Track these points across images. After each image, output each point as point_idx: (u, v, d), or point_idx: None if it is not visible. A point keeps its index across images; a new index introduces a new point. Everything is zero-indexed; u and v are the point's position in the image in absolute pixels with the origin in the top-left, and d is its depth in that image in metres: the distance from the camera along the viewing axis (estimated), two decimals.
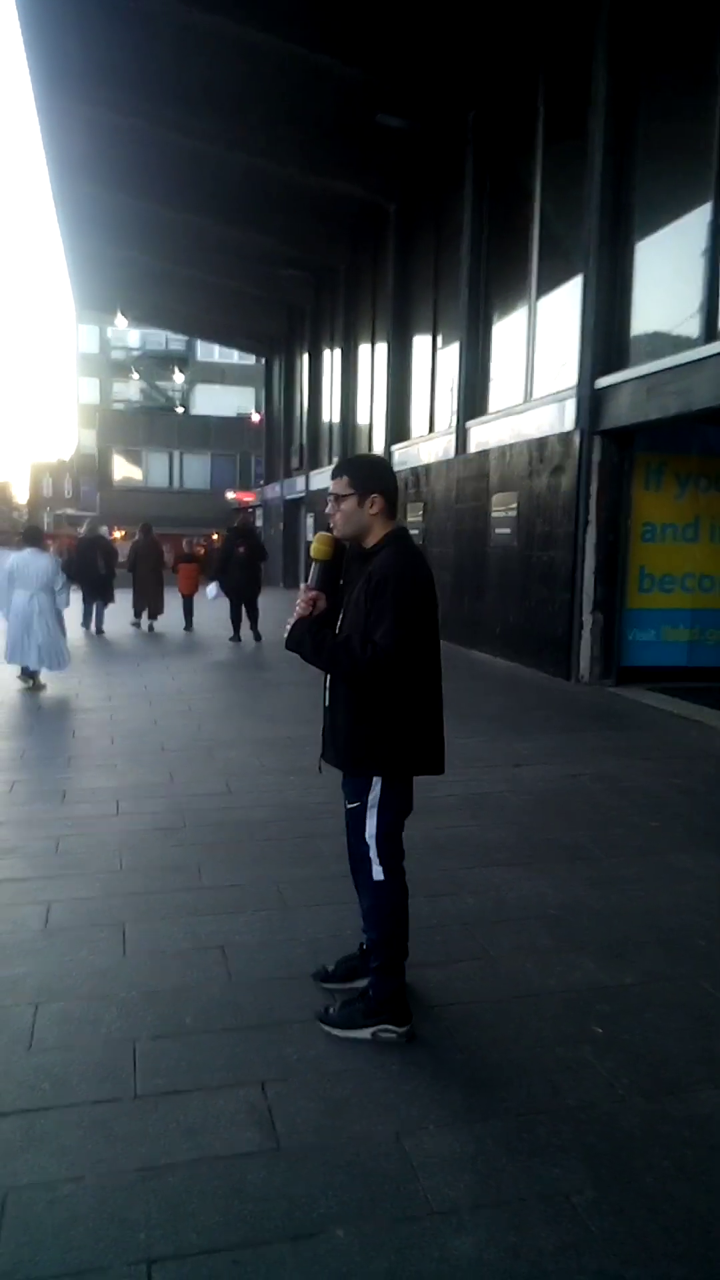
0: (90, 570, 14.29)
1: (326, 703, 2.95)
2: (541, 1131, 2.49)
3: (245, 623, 13.72)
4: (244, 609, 13.73)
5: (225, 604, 13.86)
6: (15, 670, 9.55)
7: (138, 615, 15.46)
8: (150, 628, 15.30)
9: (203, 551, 18.02)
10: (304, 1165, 2.35)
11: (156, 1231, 2.12)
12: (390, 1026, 2.91)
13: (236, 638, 13.61)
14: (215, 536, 15.72)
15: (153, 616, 15.36)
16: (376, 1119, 2.53)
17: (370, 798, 2.86)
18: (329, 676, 2.91)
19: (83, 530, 16.13)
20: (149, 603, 15.26)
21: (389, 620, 2.66)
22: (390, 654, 2.65)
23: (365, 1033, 2.91)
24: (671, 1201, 2.24)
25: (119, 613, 15.31)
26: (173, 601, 15.71)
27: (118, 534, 30.77)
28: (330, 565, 2.91)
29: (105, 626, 14.64)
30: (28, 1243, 2.09)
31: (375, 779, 2.85)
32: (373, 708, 2.79)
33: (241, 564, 13.55)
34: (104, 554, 14.80)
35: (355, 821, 2.92)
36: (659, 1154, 2.41)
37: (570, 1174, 2.33)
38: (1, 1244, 2.08)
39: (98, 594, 14.51)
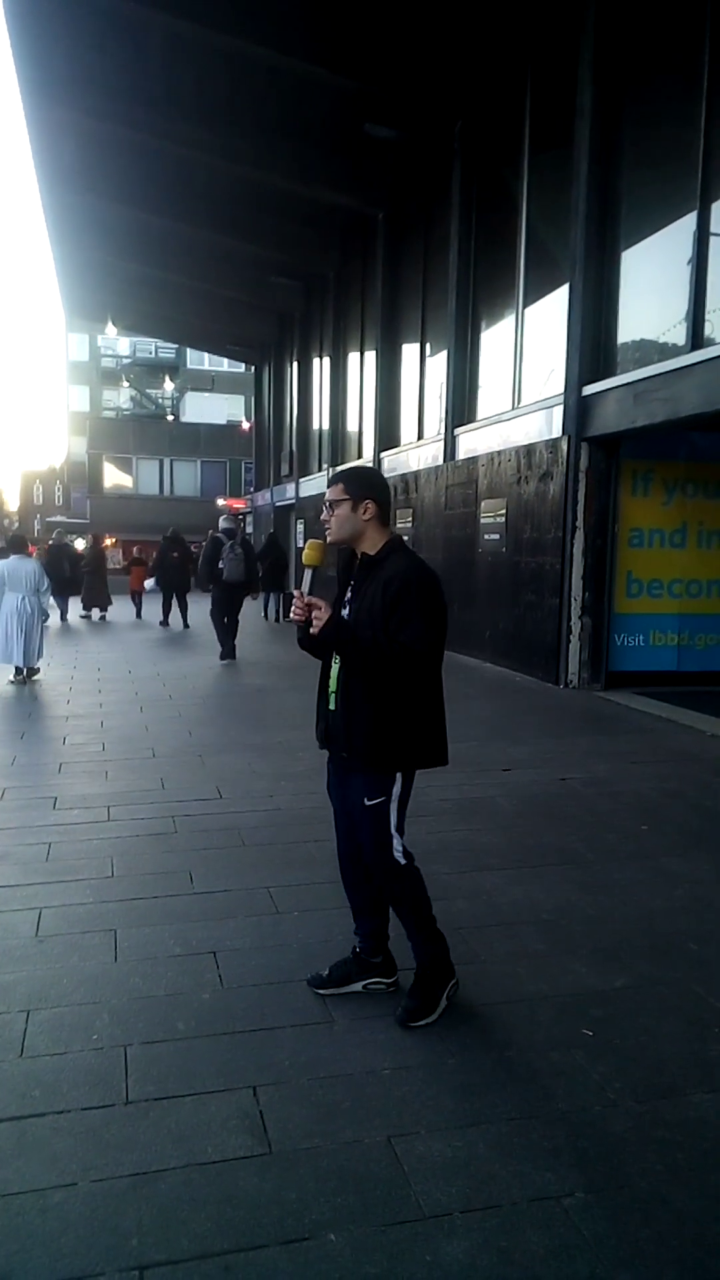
0: (58, 572, 16.97)
1: (334, 705, 3.01)
2: (534, 1135, 2.49)
3: (175, 612, 17.16)
4: (175, 601, 17.12)
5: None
6: (9, 670, 10.40)
7: (87, 609, 18.88)
8: (102, 618, 18.77)
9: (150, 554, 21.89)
10: (296, 1170, 2.34)
11: (149, 1238, 2.11)
12: (453, 980, 3.15)
13: (165, 623, 17.26)
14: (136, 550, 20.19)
15: (102, 610, 18.96)
16: (368, 1124, 2.53)
17: (395, 791, 2.99)
18: (337, 675, 2.99)
19: (53, 538, 19.55)
20: (98, 599, 18.80)
21: (418, 622, 2.83)
22: (420, 655, 2.83)
23: (445, 1000, 3.09)
24: (664, 1205, 2.25)
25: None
26: (123, 596, 19.68)
27: (109, 541, 31.63)
28: (322, 571, 3.01)
29: (66, 618, 18.09)
30: (19, 1250, 2.08)
31: (397, 774, 2.98)
32: (396, 704, 2.90)
33: (174, 566, 17.08)
34: (69, 559, 18.46)
35: (376, 816, 2.99)
36: (651, 1157, 2.42)
37: (562, 1178, 2.33)
38: None
39: (64, 592, 17.55)
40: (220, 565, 12.11)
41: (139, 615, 18.83)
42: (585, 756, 6.91)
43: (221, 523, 12.80)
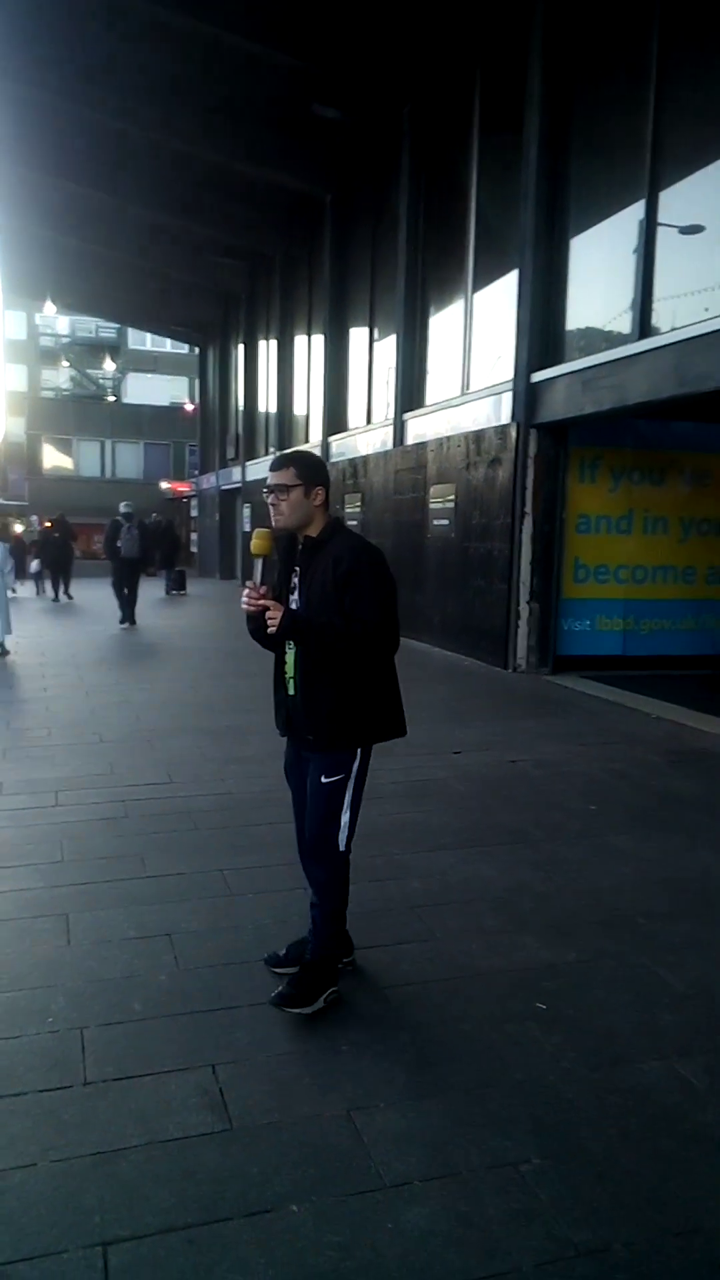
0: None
1: (293, 689, 3.01)
2: (490, 1105, 2.54)
3: (50, 584, 19.63)
4: (57, 576, 19.43)
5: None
6: None
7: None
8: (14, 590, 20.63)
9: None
10: (257, 1145, 2.36)
11: (111, 1214, 2.11)
12: (334, 988, 3.06)
13: (56, 598, 19.47)
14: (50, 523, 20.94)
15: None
16: (327, 1098, 2.56)
17: (354, 768, 3.00)
18: (294, 662, 2.98)
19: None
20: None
21: (371, 598, 2.86)
22: (381, 627, 2.86)
23: (321, 1002, 3.00)
24: (617, 1168, 2.31)
25: None
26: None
27: (48, 523, 31.44)
28: (271, 559, 3.00)
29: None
30: None
31: (357, 750, 2.99)
32: (356, 682, 2.92)
33: (58, 545, 19.47)
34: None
35: (332, 795, 2.99)
36: (604, 1123, 2.48)
37: (519, 1145, 2.38)
38: None
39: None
40: (119, 544, 14.47)
41: (39, 593, 20.87)
42: (534, 739, 7.00)
43: (121, 508, 15.12)
